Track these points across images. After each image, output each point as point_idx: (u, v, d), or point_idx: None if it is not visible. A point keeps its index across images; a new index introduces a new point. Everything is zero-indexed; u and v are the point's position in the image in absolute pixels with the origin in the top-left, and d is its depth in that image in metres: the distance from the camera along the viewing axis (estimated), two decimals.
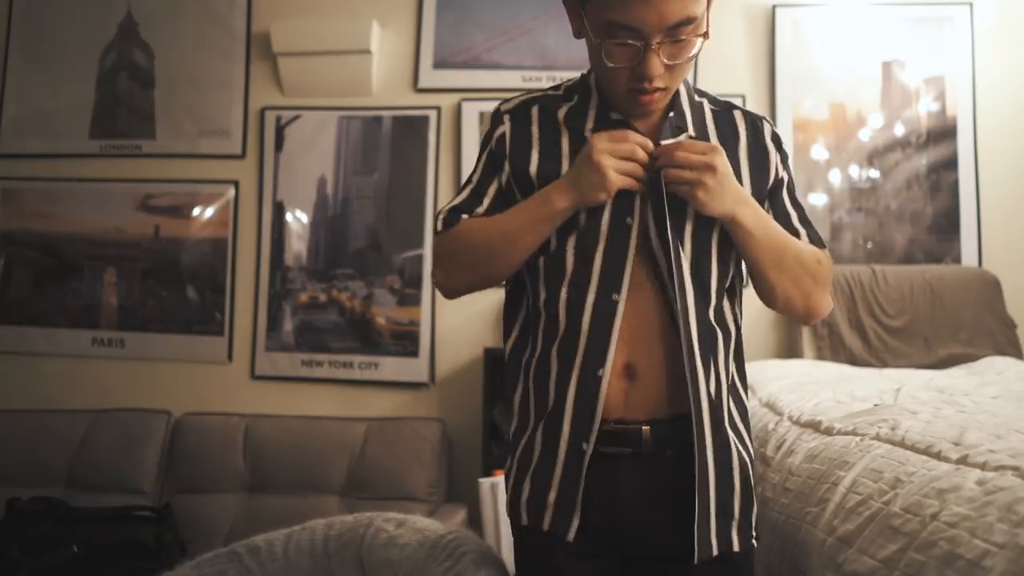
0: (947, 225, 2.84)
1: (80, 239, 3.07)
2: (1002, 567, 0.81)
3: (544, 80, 2.95)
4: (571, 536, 1.07)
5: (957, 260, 2.81)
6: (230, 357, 2.99)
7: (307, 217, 3.02)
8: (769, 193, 1.16)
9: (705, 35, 1.01)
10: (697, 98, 1.16)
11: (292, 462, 2.72)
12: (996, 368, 2.25)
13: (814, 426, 1.53)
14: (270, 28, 2.97)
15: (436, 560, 1.46)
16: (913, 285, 2.69)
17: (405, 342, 2.91)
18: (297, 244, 3.01)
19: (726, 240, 1.09)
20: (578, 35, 1.09)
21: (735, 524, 1.08)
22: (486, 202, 1.15)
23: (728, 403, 1.11)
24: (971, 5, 2.88)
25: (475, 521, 2.54)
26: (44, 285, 3.07)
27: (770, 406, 1.85)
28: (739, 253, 1.10)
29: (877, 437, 1.28)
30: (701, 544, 1.04)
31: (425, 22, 3.02)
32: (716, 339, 1.09)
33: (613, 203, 1.07)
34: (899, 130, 2.87)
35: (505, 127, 1.15)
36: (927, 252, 2.83)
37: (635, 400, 1.07)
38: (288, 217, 3.02)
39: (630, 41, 0.98)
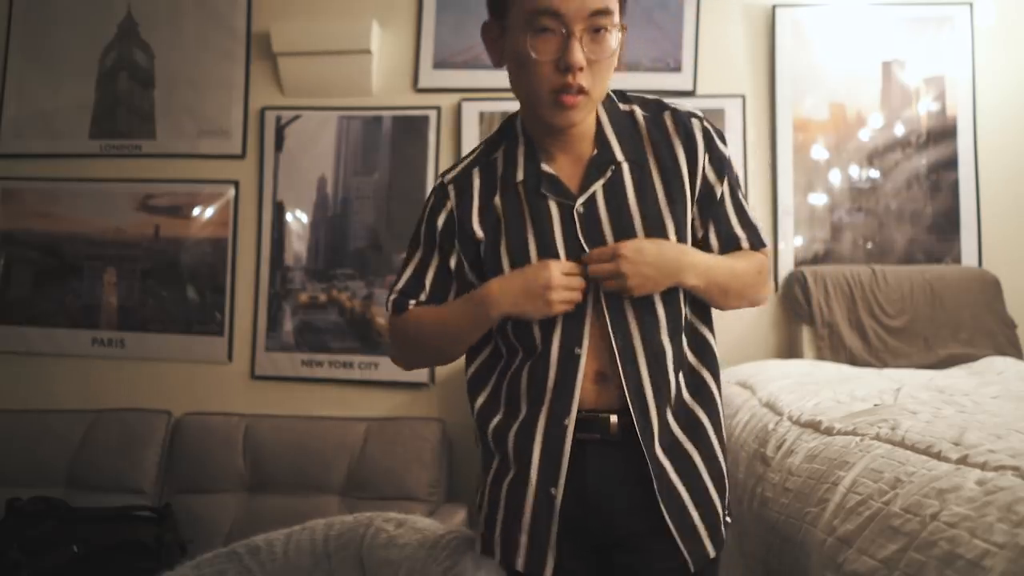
0: (947, 225, 2.84)
1: (80, 239, 3.07)
2: (1002, 567, 0.81)
3: None
4: (548, 574, 1.13)
5: (957, 260, 2.81)
6: (230, 357, 2.99)
7: (307, 217, 3.02)
8: (705, 194, 1.18)
9: (622, 28, 1.08)
10: (623, 107, 1.19)
11: (292, 462, 2.72)
12: (996, 368, 2.25)
13: (814, 426, 1.53)
14: (270, 28, 2.97)
15: (436, 560, 1.46)
16: (913, 285, 2.69)
17: None
18: (297, 244, 3.01)
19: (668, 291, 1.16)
20: (498, 63, 1.15)
21: (704, 529, 1.14)
22: (428, 286, 1.23)
23: (680, 406, 1.17)
24: (971, 5, 2.88)
25: (475, 521, 2.54)
26: (44, 285, 3.07)
27: (770, 406, 1.85)
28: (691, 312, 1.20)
29: (877, 437, 1.28)
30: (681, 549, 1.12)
31: (425, 22, 3.02)
32: (665, 355, 1.15)
33: None
34: (899, 130, 2.87)
35: (451, 201, 1.20)
36: (927, 252, 2.83)
37: (604, 397, 1.14)
38: (288, 217, 3.02)
39: (553, 28, 1.04)
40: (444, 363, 1.33)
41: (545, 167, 1.15)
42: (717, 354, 1.22)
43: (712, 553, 1.14)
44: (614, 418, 1.13)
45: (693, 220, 1.18)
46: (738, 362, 2.54)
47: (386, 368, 2.91)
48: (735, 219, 1.21)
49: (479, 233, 1.17)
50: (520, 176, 1.16)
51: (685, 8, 2.91)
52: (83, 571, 2.32)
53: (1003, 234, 2.82)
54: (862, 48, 2.89)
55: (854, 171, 2.87)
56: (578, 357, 1.13)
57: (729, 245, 1.21)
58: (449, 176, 1.23)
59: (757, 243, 1.23)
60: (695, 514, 1.13)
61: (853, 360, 2.59)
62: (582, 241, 1.13)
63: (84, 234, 3.07)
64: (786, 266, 2.86)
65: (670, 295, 1.15)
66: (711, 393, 1.19)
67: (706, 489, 1.15)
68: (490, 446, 1.23)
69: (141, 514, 2.49)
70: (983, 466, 1.00)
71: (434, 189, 1.24)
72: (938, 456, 1.10)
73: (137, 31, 3.11)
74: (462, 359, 1.35)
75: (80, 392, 2.99)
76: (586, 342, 1.13)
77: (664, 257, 1.11)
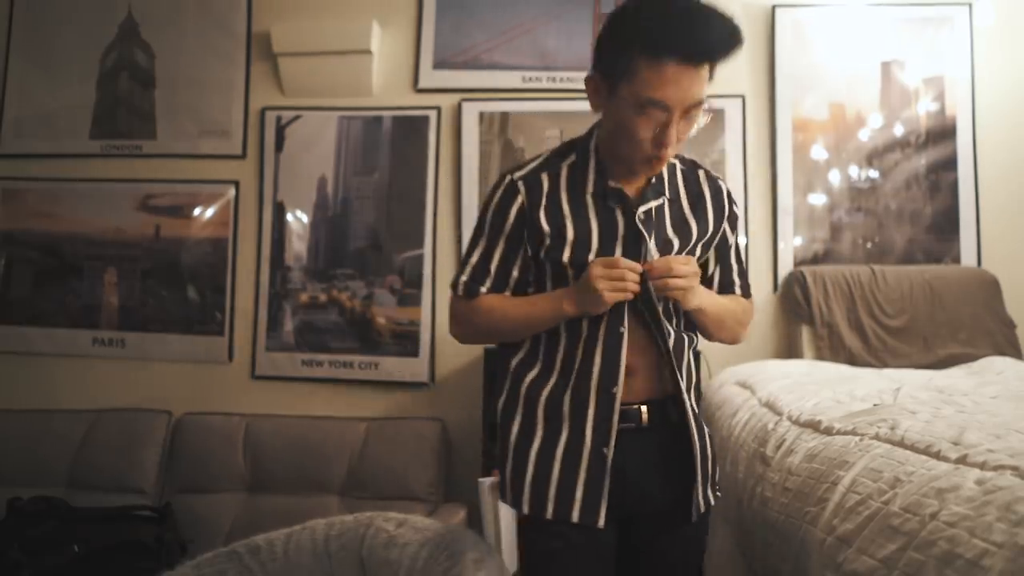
0: (946, 225, 2.84)
1: (81, 239, 3.07)
2: (1001, 566, 0.81)
3: (544, 80, 2.95)
4: (601, 523, 1.30)
5: (956, 260, 2.81)
6: (230, 357, 2.99)
7: (307, 217, 3.02)
8: (719, 243, 1.43)
9: (706, 112, 1.28)
10: (671, 161, 1.40)
11: (292, 462, 2.73)
12: (995, 368, 2.25)
13: (814, 426, 1.53)
14: (270, 28, 2.97)
15: (436, 560, 1.47)
16: (912, 285, 2.69)
17: (405, 342, 2.92)
18: (297, 244, 3.02)
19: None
20: (597, 109, 1.32)
21: (710, 484, 1.40)
22: (493, 272, 1.37)
23: (693, 390, 1.42)
24: (970, 5, 2.88)
25: (475, 521, 2.54)
26: (45, 285, 3.07)
27: (770, 406, 1.85)
28: (692, 320, 1.41)
29: (876, 437, 1.29)
30: (698, 503, 1.36)
31: (425, 22, 3.02)
32: (683, 344, 1.38)
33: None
34: (898, 130, 2.87)
35: (522, 196, 1.33)
36: (926, 252, 2.84)
37: (634, 390, 1.34)
38: (288, 217, 3.02)
39: (658, 113, 1.21)
40: (504, 341, 1.43)
41: (613, 184, 1.33)
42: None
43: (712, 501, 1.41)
44: (644, 408, 1.34)
45: (707, 260, 1.44)
46: (738, 362, 2.54)
47: (386, 368, 2.91)
48: (735, 269, 1.48)
49: (546, 227, 1.31)
50: (591, 188, 1.33)
51: None
52: (84, 571, 2.33)
53: (1002, 234, 2.83)
54: (862, 48, 2.90)
55: (854, 171, 2.88)
56: (622, 335, 1.32)
57: (726, 288, 1.47)
58: (518, 175, 1.35)
59: (747, 292, 1.50)
60: (709, 477, 1.40)
61: (853, 360, 2.60)
62: (645, 235, 1.32)
63: (85, 234, 3.07)
64: (786, 266, 2.86)
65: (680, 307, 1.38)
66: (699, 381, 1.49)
67: (714, 456, 1.43)
68: (536, 413, 1.36)
69: (141, 514, 2.50)
70: (982, 466, 1.01)
71: (502, 185, 1.36)
72: (937, 456, 1.10)
73: (138, 32, 3.12)
74: None
75: (80, 392, 2.99)
76: (626, 327, 1.32)
77: (699, 285, 1.36)
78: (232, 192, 3.04)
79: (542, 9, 2.98)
